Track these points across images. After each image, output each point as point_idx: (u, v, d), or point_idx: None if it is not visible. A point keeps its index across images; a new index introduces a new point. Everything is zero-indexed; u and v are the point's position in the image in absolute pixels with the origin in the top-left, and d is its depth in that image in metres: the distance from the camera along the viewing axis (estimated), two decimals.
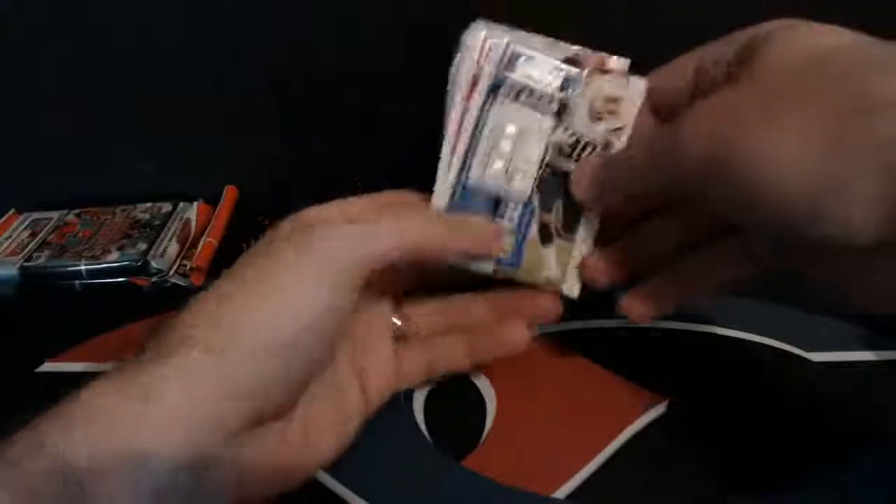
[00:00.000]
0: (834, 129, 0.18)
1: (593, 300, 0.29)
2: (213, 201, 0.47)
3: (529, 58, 0.27)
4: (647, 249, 0.28)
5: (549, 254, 0.28)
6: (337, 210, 0.27)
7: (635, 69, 0.27)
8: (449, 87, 0.28)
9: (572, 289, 0.28)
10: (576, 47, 0.27)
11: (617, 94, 0.27)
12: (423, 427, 0.29)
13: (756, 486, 0.26)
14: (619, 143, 0.27)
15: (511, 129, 0.27)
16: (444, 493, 0.26)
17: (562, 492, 0.26)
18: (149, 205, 0.47)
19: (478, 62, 0.27)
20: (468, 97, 0.27)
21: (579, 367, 0.31)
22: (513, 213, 0.28)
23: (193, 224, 0.45)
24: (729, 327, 0.33)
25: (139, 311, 0.37)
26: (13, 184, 0.48)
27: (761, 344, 0.33)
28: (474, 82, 0.27)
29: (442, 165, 0.28)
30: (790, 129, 0.19)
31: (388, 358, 0.28)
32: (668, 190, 0.24)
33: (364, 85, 0.46)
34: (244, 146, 0.48)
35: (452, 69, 0.28)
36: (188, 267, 0.42)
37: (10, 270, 0.41)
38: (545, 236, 0.28)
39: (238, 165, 0.49)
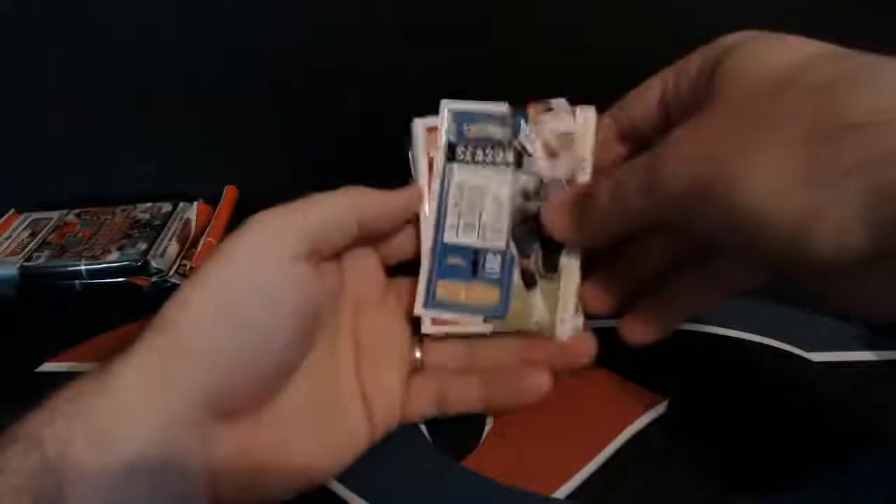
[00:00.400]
0: (805, 156, 0.18)
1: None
2: (213, 201, 0.47)
3: (476, 118, 0.29)
4: (637, 273, 0.28)
5: (536, 298, 0.28)
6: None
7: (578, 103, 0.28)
8: (410, 152, 0.29)
9: (564, 332, 0.28)
10: (516, 104, 0.29)
11: (568, 128, 0.28)
12: (423, 427, 0.29)
13: (756, 486, 0.26)
14: (584, 174, 0.28)
15: (474, 187, 0.29)
16: (444, 493, 0.26)
17: (562, 492, 0.26)
18: (149, 205, 0.47)
19: (427, 146, 0.29)
20: (428, 174, 0.29)
21: None
22: (493, 265, 0.28)
23: (193, 224, 0.45)
24: (729, 327, 0.33)
25: (139, 311, 0.37)
26: (13, 184, 0.48)
27: (761, 344, 0.33)
28: (430, 164, 0.29)
29: (423, 228, 0.29)
30: (764, 157, 0.19)
31: (397, 386, 0.28)
32: (649, 220, 0.24)
33: (364, 85, 0.46)
34: (244, 146, 0.48)
35: (410, 149, 0.29)
36: (188, 267, 0.42)
37: (10, 270, 0.41)
38: (528, 281, 0.28)
39: (238, 165, 0.49)
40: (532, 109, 0.28)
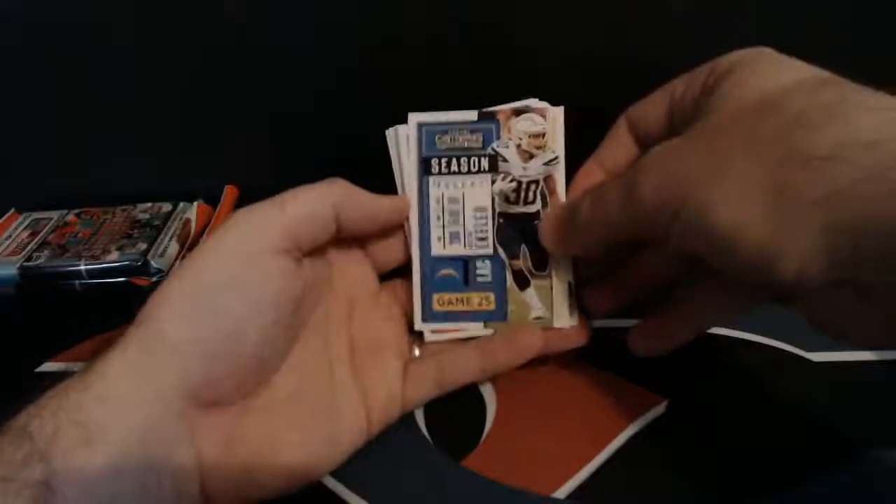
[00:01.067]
0: (773, 184, 0.19)
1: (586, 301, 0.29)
2: (213, 201, 0.47)
3: (446, 129, 0.29)
4: (637, 279, 0.29)
5: (531, 296, 0.29)
6: None
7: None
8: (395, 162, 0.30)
9: (564, 321, 0.29)
10: (484, 111, 0.29)
11: (538, 129, 0.29)
12: (423, 427, 0.29)
13: (756, 486, 0.26)
14: (558, 173, 0.28)
15: (453, 197, 0.29)
16: (444, 493, 0.26)
17: (562, 492, 0.26)
18: (149, 205, 0.47)
19: (401, 160, 0.29)
20: (403, 188, 0.30)
21: (579, 367, 0.31)
22: (484, 271, 0.29)
23: (193, 224, 0.45)
24: (729, 327, 0.33)
25: (139, 311, 0.37)
26: (13, 184, 0.48)
27: (761, 344, 0.33)
28: (402, 176, 0.30)
29: (410, 244, 0.29)
30: (733, 182, 0.19)
31: (395, 377, 0.28)
32: (628, 234, 0.24)
33: (364, 85, 0.46)
34: (244, 146, 0.48)
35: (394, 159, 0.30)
36: None
37: (10, 270, 0.41)
38: (521, 282, 0.29)
39: (238, 165, 0.49)
40: (502, 115, 0.29)
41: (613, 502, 0.26)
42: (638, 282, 0.29)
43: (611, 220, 0.24)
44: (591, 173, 0.29)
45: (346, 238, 0.28)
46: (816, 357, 0.32)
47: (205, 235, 0.44)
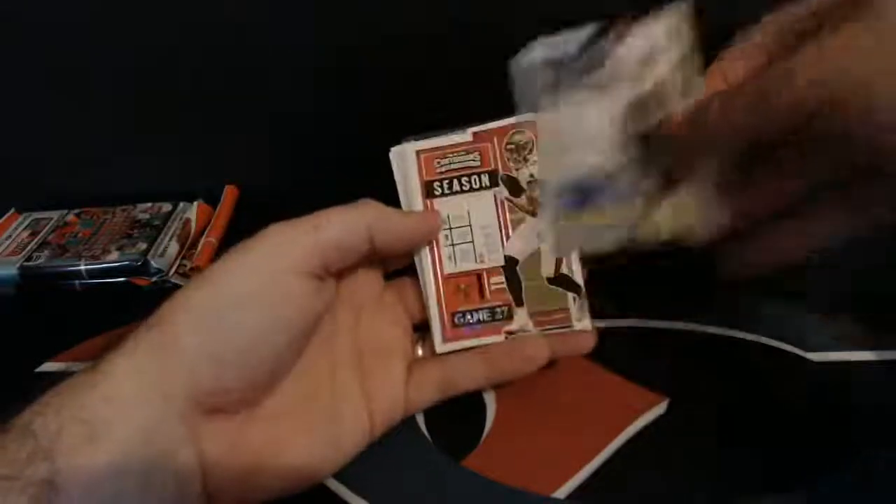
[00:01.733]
0: None
1: (593, 302, 0.29)
2: (213, 201, 0.47)
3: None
4: (766, 191, 0.26)
5: (665, 213, 0.27)
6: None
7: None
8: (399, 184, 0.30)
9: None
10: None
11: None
12: (423, 427, 0.29)
13: (756, 486, 0.26)
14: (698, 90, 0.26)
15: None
16: (444, 493, 0.26)
17: (562, 492, 0.26)
18: (149, 205, 0.47)
19: (406, 181, 0.30)
20: (426, 201, 0.29)
21: (579, 367, 0.31)
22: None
23: (193, 224, 0.45)
24: (729, 327, 0.33)
25: (139, 311, 0.37)
26: (13, 184, 0.48)
27: (761, 344, 0.33)
28: (409, 201, 0.30)
29: (421, 266, 0.29)
30: None
31: (399, 381, 0.28)
32: (784, 129, 0.22)
33: (364, 85, 0.46)
34: (244, 146, 0.48)
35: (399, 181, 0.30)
36: (188, 267, 0.42)
37: (10, 270, 0.41)
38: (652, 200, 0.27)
39: (238, 165, 0.49)
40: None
41: (613, 502, 0.26)
42: (763, 197, 0.26)
43: (767, 108, 0.22)
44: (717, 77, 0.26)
45: None
46: (816, 357, 0.32)
47: (205, 235, 0.44)
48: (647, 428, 0.29)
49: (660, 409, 0.29)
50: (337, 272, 0.27)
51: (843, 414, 0.29)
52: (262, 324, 0.23)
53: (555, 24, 0.27)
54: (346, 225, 0.25)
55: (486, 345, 0.29)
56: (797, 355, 0.32)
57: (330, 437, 0.26)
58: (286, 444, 0.24)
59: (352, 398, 0.27)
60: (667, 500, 0.26)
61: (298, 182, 0.46)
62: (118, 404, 0.21)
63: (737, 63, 0.26)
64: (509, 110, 0.29)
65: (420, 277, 0.29)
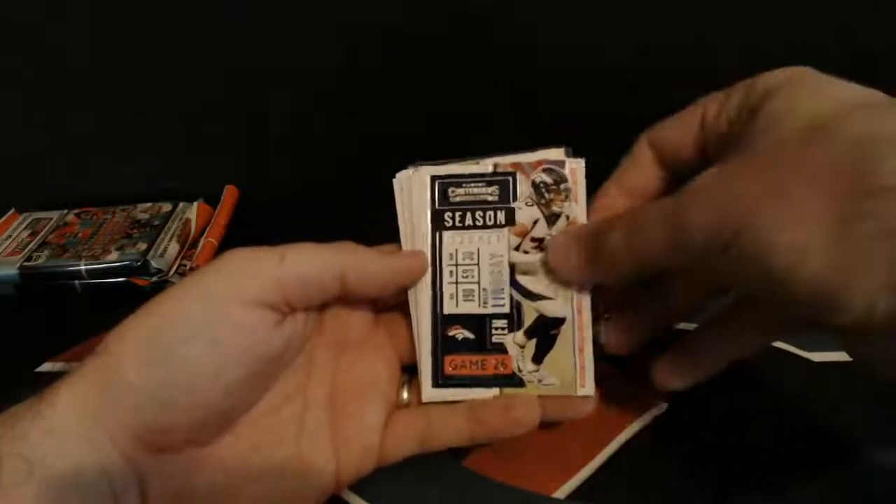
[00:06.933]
0: (837, 213, 0.17)
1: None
2: (213, 201, 0.47)
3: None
4: (664, 312, 0.27)
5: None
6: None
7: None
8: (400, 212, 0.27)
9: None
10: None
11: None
12: None
13: (756, 486, 0.26)
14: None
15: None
16: (444, 493, 0.26)
17: (562, 492, 0.26)
18: (149, 205, 0.47)
19: (411, 209, 0.27)
20: (410, 238, 0.27)
21: None
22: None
23: (193, 224, 0.45)
24: None
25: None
26: (13, 184, 0.48)
27: None
28: (412, 230, 0.27)
29: (419, 302, 0.27)
30: (793, 209, 0.18)
31: (374, 429, 0.26)
32: (668, 266, 0.22)
33: (364, 85, 0.46)
34: (244, 146, 0.48)
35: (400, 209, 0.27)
36: (188, 267, 0.42)
37: (10, 270, 0.41)
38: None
39: (238, 165, 0.49)
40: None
41: (613, 502, 0.26)
42: (664, 314, 0.27)
43: (650, 250, 0.22)
44: (612, 197, 0.27)
45: None
46: (816, 357, 0.32)
47: (205, 235, 0.44)
48: (647, 428, 0.29)
49: (659, 409, 0.29)
50: (312, 307, 0.25)
51: (843, 414, 0.29)
52: (210, 359, 0.21)
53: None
54: (315, 263, 0.24)
55: (476, 399, 0.26)
56: (797, 355, 0.32)
57: (287, 488, 0.24)
58: (240, 493, 0.23)
59: (320, 444, 0.25)
60: (667, 500, 0.26)
61: (298, 182, 0.46)
62: (57, 438, 0.20)
63: (618, 200, 0.26)
64: (528, 139, 0.27)
65: (412, 316, 0.27)
